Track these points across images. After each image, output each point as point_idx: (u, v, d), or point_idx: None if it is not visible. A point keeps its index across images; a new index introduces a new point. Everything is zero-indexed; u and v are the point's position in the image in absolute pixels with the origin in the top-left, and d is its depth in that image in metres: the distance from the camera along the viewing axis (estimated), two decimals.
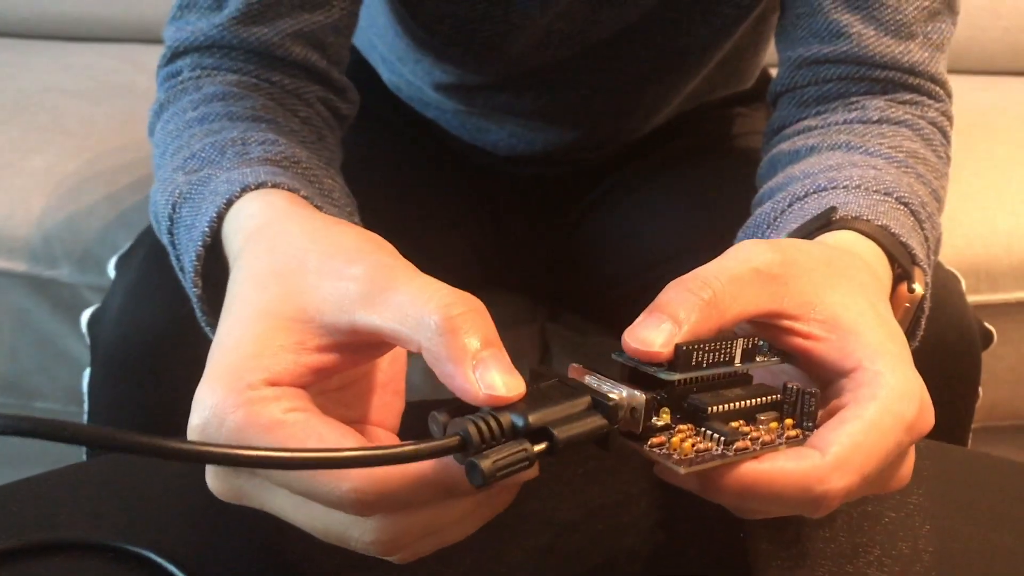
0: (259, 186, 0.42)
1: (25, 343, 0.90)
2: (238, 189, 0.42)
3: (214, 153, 0.46)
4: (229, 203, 0.42)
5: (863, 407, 0.34)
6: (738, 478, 0.32)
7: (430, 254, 0.80)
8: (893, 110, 0.55)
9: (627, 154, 0.79)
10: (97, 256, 0.87)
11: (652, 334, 0.33)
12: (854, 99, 0.56)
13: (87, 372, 0.65)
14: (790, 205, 0.48)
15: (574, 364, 0.34)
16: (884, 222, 0.44)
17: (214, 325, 0.45)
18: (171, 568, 0.39)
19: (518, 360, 0.96)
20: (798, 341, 0.36)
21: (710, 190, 0.75)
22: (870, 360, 0.35)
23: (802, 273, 0.36)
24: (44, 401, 0.93)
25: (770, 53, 0.81)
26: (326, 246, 0.35)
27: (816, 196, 0.47)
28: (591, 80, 0.70)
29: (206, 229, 0.42)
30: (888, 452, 0.34)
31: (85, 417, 0.65)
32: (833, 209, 0.44)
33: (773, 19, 0.74)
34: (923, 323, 0.47)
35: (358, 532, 0.31)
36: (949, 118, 0.58)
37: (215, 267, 0.43)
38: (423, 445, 0.29)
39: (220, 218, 0.42)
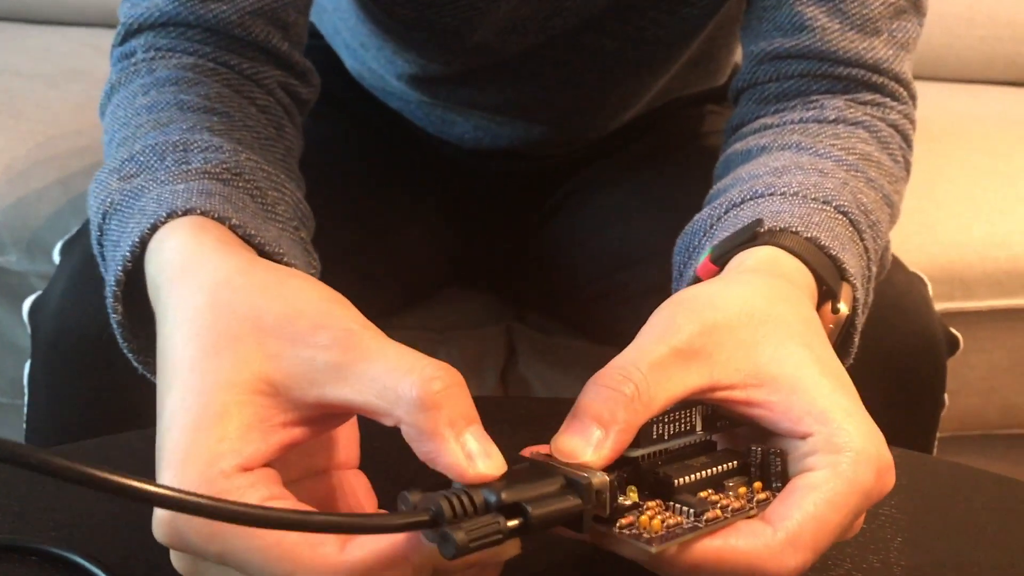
0: (187, 211, 0.38)
1: None
2: (164, 214, 0.38)
3: (153, 158, 0.43)
4: (154, 228, 0.38)
5: (818, 478, 0.32)
6: (688, 554, 0.31)
7: (394, 250, 0.79)
8: (851, 110, 0.54)
9: (596, 151, 0.77)
10: (46, 243, 0.84)
11: (579, 444, 0.31)
12: (814, 98, 0.54)
13: (28, 363, 0.63)
14: (726, 212, 0.47)
15: (528, 449, 0.33)
16: (815, 234, 0.42)
17: (136, 351, 0.42)
18: (97, 571, 0.37)
19: (484, 360, 0.94)
20: (741, 410, 0.34)
21: (679, 190, 0.73)
22: (822, 422, 0.33)
23: (726, 338, 0.34)
24: None
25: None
26: (282, 306, 0.32)
27: (752, 203, 0.45)
28: (556, 74, 0.68)
29: (127, 254, 0.39)
30: (843, 523, 0.32)
31: (25, 410, 0.63)
32: (758, 222, 0.42)
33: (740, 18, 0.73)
34: (856, 339, 0.45)
35: None
36: (911, 121, 0.56)
37: (137, 290, 0.40)
38: (395, 517, 0.29)
39: (143, 243, 0.38)
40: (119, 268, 0.39)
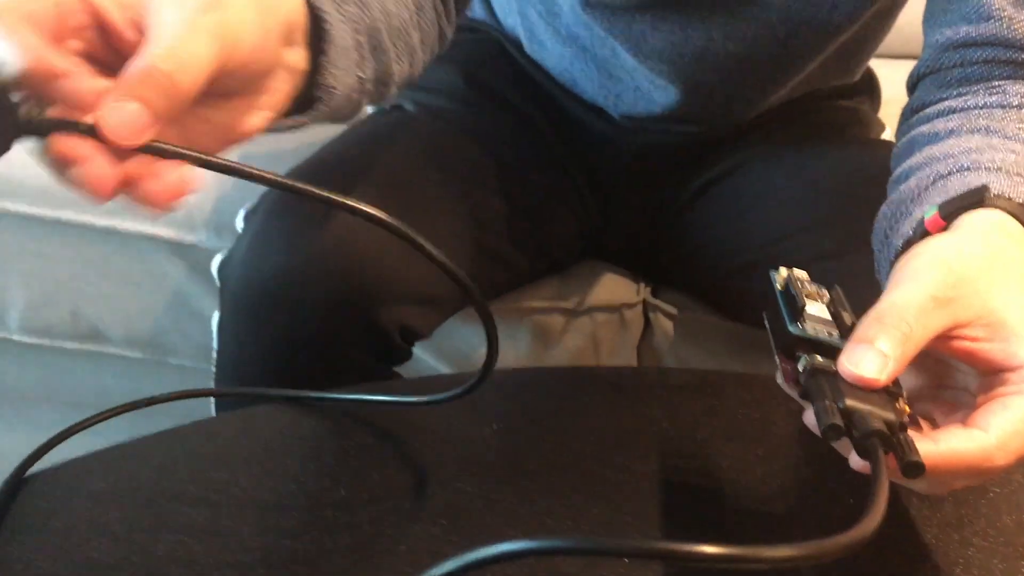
0: None
1: (163, 303, 0.97)
2: None
3: None
4: None
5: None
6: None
7: (539, 226, 0.84)
8: None
9: (736, 137, 0.81)
10: (230, 224, 0.93)
11: (871, 365, 0.37)
12: (996, 83, 0.56)
13: (216, 314, 0.72)
14: (933, 183, 0.50)
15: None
16: None
17: None
18: None
19: (620, 335, 0.99)
20: (964, 344, 0.40)
21: (819, 177, 0.76)
22: None
23: (969, 287, 0.40)
24: (177, 357, 1.01)
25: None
26: None
27: (959, 175, 0.49)
28: (725, 27, 0.71)
29: None
30: None
31: (214, 355, 0.71)
32: (985, 188, 0.46)
33: (895, 13, 0.75)
34: None
35: None
36: None
37: None
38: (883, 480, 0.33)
39: None
40: None
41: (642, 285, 0.92)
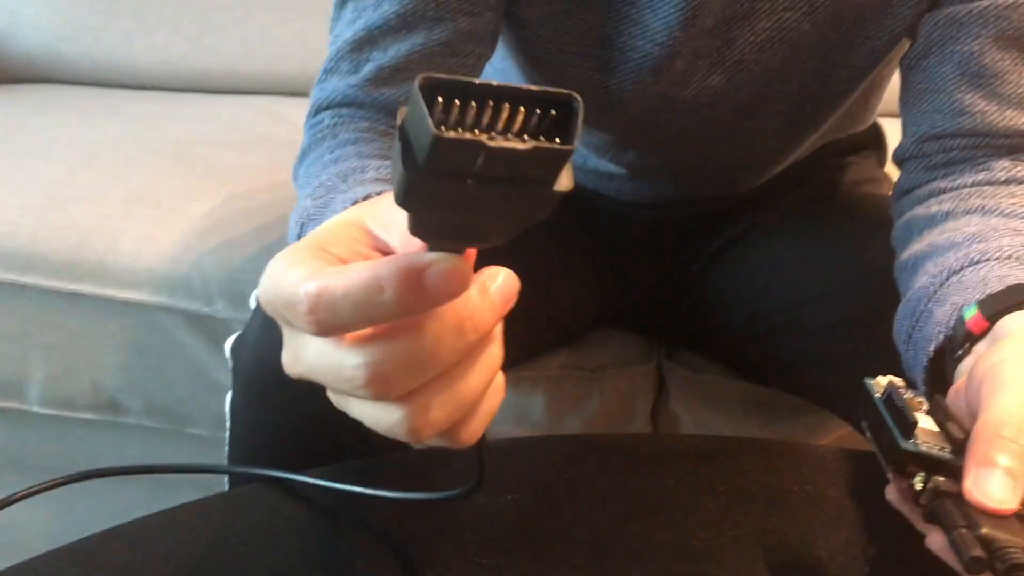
0: (369, 196, 0.46)
1: (181, 373, 0.98)
2: (350, 202, 0.47)
3: (337, 181, 0.52)
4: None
5: None
6: None
7: (554, 301, 0.85)
8: (1019, 169, 0.58)
9: (747, 202, 0.82)
10: (247, 293, 0.94)
11: (1002, 494, 0.35)
12: (981, 160, 0.58)
13: (229, 394, 0.72)
14: (947, 279, 0.51)
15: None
16: None
17: None
18: None
19: (635, 398, 0.98)
20: None
21: (830, 240, 0.77)
22: None
23: None
24: (195, 427, 1.01)
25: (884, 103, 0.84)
26: None
27: (972, 269, 0.50)
28: (717, 148, 0.73)
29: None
30: None
31: (227, 435, 0.71)
32: (1021, 287, 0.46)
33: (886, 70, 0.77)
34: None
35: (349, 367, 0.32)
36: None
37: None
38: None
39: None
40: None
41: (656, 347, 0.93)
